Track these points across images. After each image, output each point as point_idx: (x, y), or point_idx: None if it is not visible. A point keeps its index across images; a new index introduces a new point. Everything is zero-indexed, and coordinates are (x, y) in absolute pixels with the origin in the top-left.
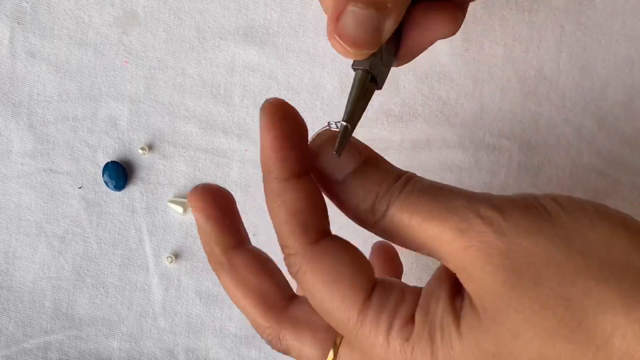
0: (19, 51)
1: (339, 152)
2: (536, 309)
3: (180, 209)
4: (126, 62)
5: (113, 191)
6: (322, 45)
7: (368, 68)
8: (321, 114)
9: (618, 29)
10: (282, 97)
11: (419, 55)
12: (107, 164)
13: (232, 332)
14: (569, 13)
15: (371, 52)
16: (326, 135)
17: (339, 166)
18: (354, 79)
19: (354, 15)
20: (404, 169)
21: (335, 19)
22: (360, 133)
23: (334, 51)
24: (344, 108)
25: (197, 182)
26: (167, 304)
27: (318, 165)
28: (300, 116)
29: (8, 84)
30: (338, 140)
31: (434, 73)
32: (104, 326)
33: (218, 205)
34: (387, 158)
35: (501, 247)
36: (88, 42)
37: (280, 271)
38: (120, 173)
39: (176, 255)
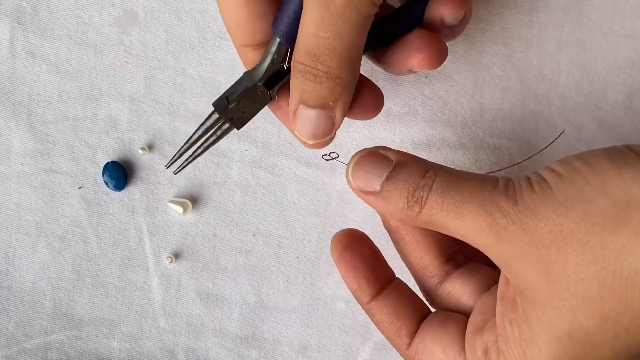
0: (19, 51)
1: (171, 169)
2: (575, 287)
3: (180, 209)
4: (126, 62)
5: (113, 191)
6: None
7: (219, 113)
8: None
9: (618, 29)
10: None
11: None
12: (107, 164)
13: (232, 332)
14: (569, 13)
15: (329, 139)
16: (355, 159)
17: (374, 178)
18: (221, 129)
19: (305, 115)
20: None
21: (292, 115)
22: (361, 133)
23: None
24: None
25: (197, 182)
26: (167, 304)
27: (357, 187)
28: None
29: (8, 84)
30: (174, 156)
31: (434, 73)
32: (104, 326)
33: (355, 255)
34: None
35: (524, 237)
36: (88, 42)
37: (410, 309)
38: (120, 173)
39: (176, 255)
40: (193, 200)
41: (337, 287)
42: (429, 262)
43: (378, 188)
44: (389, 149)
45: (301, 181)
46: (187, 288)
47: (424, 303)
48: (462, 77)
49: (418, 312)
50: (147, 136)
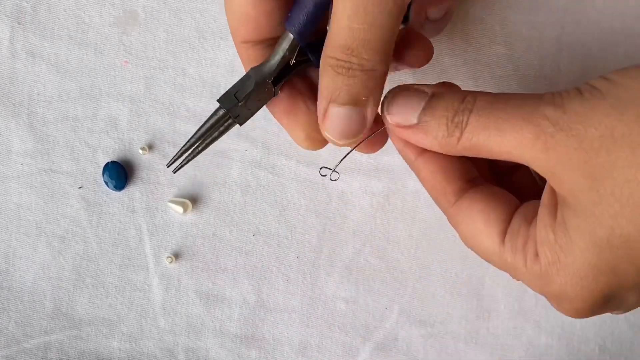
0: (19, 51)
1: (172, 168)
2: (621, 190)
3: (180, 209)
4: (126, 62)
5: (113, 191)
6: None
7: (227, 110)
8: None
9: (618, 28)
10: None
11: None
12: (107, 164)
13: (232, 332)
14: (569, 13)
15: (358, 138)
16: (390, 95)
17: (410, 111)
18: (212, 113)
19: (335, 113)
20: (404, 169)
21: (323, 115)
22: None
23: None
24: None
25: (197, 182)
26: (167, 304)
27: (394, 122)
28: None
29: (8, 84)
30: (175, 155)
31: (434, 73)
32: (104, 326)
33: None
34: (387, 158)
35: (573, 143)
36: (88, 42)
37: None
38: (120, 173)
39: (176, 255)
40: (193, 200)
41: (337, 287)
42: (445, 185)
43: (415, 120)
44: (425, 84)
45: (301, 181)
46: (187, 288)
47: (472, 170)
48: (462, 77)
49: (466, 175)
50: (147, 136)
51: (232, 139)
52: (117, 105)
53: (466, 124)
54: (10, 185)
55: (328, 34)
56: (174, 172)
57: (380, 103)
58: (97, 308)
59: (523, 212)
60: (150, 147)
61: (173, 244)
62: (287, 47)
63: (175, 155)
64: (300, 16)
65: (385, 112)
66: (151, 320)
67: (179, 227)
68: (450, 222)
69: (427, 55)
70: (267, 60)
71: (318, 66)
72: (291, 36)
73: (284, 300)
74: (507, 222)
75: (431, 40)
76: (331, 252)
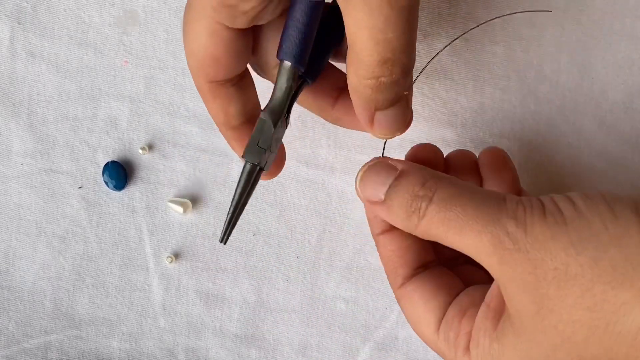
0: (19, 51)
1: (224, 240)
2: (564, 327)
3: (180, 209)
4: (126, 62)
5: (113, 191)
6: None
7: (257, 163)
8: None
9: (618, 29)
10: None
11: (420, 55)
12: (107, 164)
13: (232, 332)
14: (569, 13)
15: (408, 126)
16: (364, 169)
17: (379, 187)
18: (243, 171)
19: (383, 116)
20: None
21: (370, 122)
22: (361, 133)
23: None
24: (232, 196)
25: (197, 182)
26: (167, 304)
27: (364, 196)
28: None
29: (8, 84)
30: (225, 228)
31: (434, 73)
32: (104, 326)
33: None
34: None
35: (528, 267)
36: (88, 42)
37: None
38: (120, 173)
39: (176, 255)
40: (193, 200)
41: (337, 287)
42: (397, 267)
43: (382, 197)
44: (399, 160)
45: (301, 181)
46: (187, 288)
47: (429, 253)
48: (462, 77)
49: (420, 260)
50: (147, 136)
51: None
52: (117, 105)
53: (424, 214)
54: (10, 185)
55: (351, 54)
56: (225, 244)
57: (356, 174)
58: (97, 308)
59: (459, 302)
60: (150, 147)
61: (173, 244)
62: (289, 77)
63: (225, 228)
64: (295, 44)
65: (357, 185)
66: (151, 320)
67: (179, 227)
68: (398, 303)
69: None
70: (273, 97)
71: (312, 83)
72: (289, 65)
73: (284, 300)
74: (445, 310)
75: (428, 40)
76: (331, 252)
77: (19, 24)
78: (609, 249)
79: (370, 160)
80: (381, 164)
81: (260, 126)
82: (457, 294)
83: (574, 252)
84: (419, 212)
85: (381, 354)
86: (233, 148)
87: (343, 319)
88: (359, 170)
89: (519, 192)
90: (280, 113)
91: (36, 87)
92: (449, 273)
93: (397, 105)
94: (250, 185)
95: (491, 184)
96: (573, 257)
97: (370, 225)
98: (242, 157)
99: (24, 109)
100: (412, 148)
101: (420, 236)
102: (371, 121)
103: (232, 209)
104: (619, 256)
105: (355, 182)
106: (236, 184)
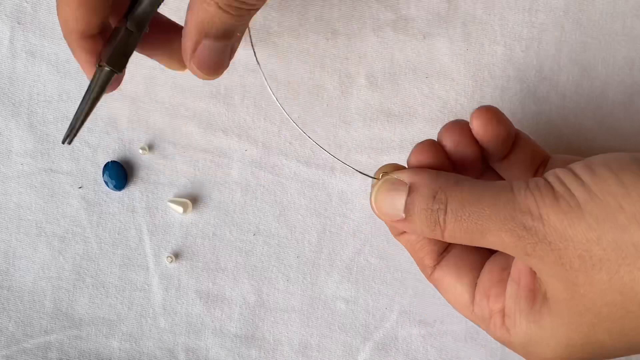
0: (19, 51)
1: (68, 141)
2: (599, 309)
3: (180, 209)
4: None
5: (113, 191)
6: (322, 45)
7: (118, 70)
8: (321, 114)
9: (618, 29)
10: (282, 97)
11: (420, 55)
12: (107, 164)
13: (232, 332)
14: (569, 13)
15: (222, 73)
16: (374, 193)
17: (397, 207)
18: (100, 76)
19: (208, 47)
20: None
21: (192, 50)
22: (361, 133)
23: (334, 51)
24: (82, 100)
25: (197, 182)
26: (167, 304)
27: (388, 220)
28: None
29: (8, 84)
30: (71, 129)
31: (434, 73)
32: (104, 326)
33: None
34: (387, 158)
35: (553, 257)
36: None
37: None
38: (120, 173)
39: (176, 255)
40: (193, 200)
41: (337, 287)
42: (423, 258)
43: (403, 215)
44: (401, 169)
45: (301, 181)
46: (187, 288)
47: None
48: (462, 77)
49: (442, 245)
50: (147, 136)
51: (232, 139)
52: (117, 105)
53: (444, 225)
54: (10, 185)
55: None
56: (69, 144)
57: (369, 194)
58: (97, 308)
59: (482, 284)
60: (150, 147)
61: (173, 243)
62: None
63: (70, 130)
64: None
65: (374, 208)
66: (151, 320)
67: (179, 227)
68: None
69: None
70: (138, 7)
71: None
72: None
73: (284, 300)
74: (472, 290)
75: (428, 40)
76: (331, 252)
77: (19, 24)
78: (628, 228)
79: (376, 183)
80: (389, 182)
81: (127, 36)
82: (481, 269)
83: (594, 237)
84: (440, 225)
85: (381, 354)
86: (80, 58)
87: (343, 319)
88: (371, 190)
89: (516, 136)
90: (145, 25)
91: (36, 87)
92: (468, 249)
93: (227, 42)
94: (102, 90)
95: (491, 148)
96: (594, 243)
97: (389, 229)
98: (105, 62)
99: (24, 109)
100: (412, 152)
101: (450, 241)
102: (193, 47)
103: (85, 112)
104: (639, 234)
105: (371, 203)
106: (87, 89)
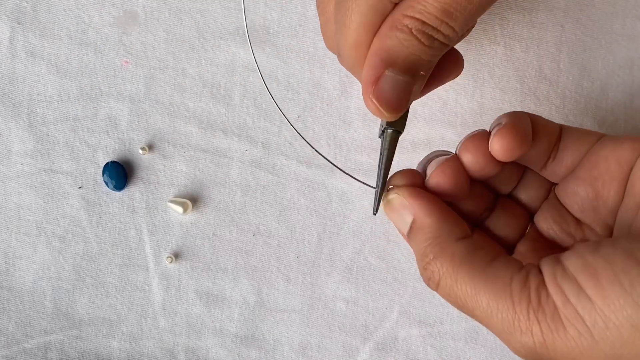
0: (19, 51)
1: (376, 211)
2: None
3: (180, 209)
4: (126, 62)
5: (113, 191)
6: (322, 45)
7: (400, 129)
8: (321, 114)
9: (618, 29)
10: (282, 97)
11: None
12: (107, 164)
13: (232, 332)
14: (569, 13)
15: (401, 113)
16: (384, 203)
17: (401, 225)
18: (386, 140)
19: (391, 80)
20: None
21: (373, 82)
22: (361, 133)
23: None
24: (378, 167)
25: (197, 182)
26: (167, 304)
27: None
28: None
29: (8, 84)
30: (375, 203)
31: None
32: (104, 326)
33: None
34: None
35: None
36: (88, 42)
37: None
38: (120, 173)
39: (176, 255)
40: (193, 200)
41: (337, 287)
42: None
43: (406, 234)
44: (413, 200)
45: (301, 181)
46: (187, 288)
47: (461, 229)
48: (462, 77)
49: (459, 233)
50: (147, 136)
51: (232, 139)
52: (117, 105)
53: (437, 288)
54: (10, 185)
55: None
56: (375, 214)
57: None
58: (97, 308)
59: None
60: (150, 147)
61: (173, 244)
62: None
63: (376, 199)
64: None
65: (386, 215)
66: (151, 320)
67: (179, 227)
68: None
69: (461, 67)
70: None
71: None
72: None
73: (284, 300)
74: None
75: None
76: (331, 252)
77: (19, 24)
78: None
79: (391, 180)
80: (399, 200)
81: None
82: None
83: None
84: (434, 280)
85: (381, 354)
86: (358, 72)
87: (343, 319)
88: (385, 194)
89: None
90: (385, 177)
91: (36, 87)
92: (478, 243)
93: (410, 77)
94: (391, 152)
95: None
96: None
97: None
98: (386, 125)
99: (24, 109)
100: (435, 171)
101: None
102: (375, 81)
103: (382, 178)
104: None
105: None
106: (380, 154)
